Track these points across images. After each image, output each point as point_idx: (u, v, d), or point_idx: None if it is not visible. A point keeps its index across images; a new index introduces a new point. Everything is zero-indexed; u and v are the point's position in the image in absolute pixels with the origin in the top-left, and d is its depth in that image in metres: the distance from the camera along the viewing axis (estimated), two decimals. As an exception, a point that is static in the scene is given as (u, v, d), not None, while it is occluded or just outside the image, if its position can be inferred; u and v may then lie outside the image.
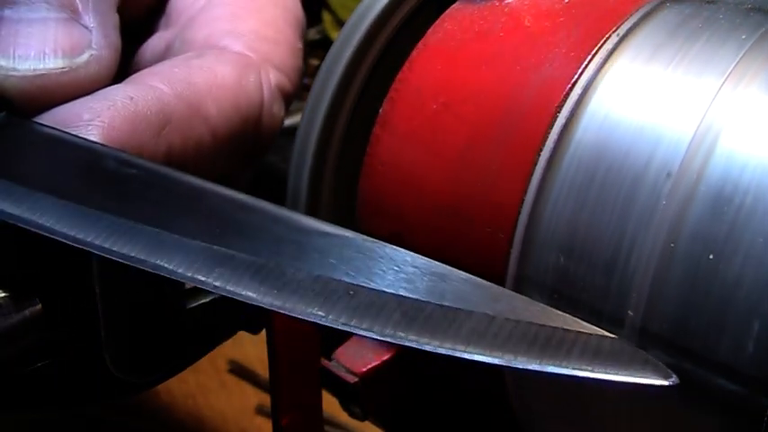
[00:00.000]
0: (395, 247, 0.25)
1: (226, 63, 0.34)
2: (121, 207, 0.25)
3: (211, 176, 0.29)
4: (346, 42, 0.36)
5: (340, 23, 1.21)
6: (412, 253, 0.25)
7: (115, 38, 0.33)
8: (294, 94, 0.39)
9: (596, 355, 0.22)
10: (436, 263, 0.25)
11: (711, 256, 0.25)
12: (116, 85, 0.32)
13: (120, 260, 0.24)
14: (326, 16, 1.25)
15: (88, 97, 0.31)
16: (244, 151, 0.36)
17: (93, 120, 0.29)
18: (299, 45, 0.40)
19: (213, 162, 0.34)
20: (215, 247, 0.24)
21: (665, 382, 0.22)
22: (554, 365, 0.22)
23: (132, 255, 0.24)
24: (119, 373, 0.27)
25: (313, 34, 1.27)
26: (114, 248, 0.24)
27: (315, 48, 1.27)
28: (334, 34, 1.23)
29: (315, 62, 1.24)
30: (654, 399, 0.27)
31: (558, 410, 0.31)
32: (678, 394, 0.26)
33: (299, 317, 0.23)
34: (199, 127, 0.33)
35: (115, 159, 0.27)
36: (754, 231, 0.25)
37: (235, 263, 0.24)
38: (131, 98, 0.30)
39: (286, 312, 0.23)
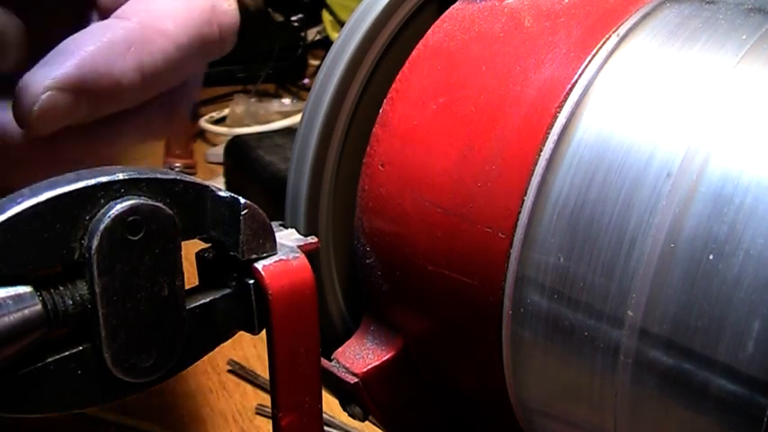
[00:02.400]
0: None
1: None
2: None
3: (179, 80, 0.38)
4: (346, 42, 0.36)
5: (340, 24, 1.21)
6: None
7: None
8: None
9: None
10: None
11: (711, 257, 0.25)
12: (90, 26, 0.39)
13: None
14: (326, 16, 1.25)
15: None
16: (206, 52, 0.43)
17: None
18: None
19: (182, 68, 0.41)
20: None
21: None
22: None
23: None
24: (119, 373, 0.27)
25: (313, 34, 1.27)
26: None
27: (315, 48, 1.27)
28: (334, 34, 1.23)
29: (315, 62, 1.24)
30: (654, 398, 0.27)
31: (558, 409, 0.31)
32: (678, 394, 0.26)
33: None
34: (160, 41, 0.39)
35: None
36: (754, 231, 0.25)
37: None
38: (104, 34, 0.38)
39: None
